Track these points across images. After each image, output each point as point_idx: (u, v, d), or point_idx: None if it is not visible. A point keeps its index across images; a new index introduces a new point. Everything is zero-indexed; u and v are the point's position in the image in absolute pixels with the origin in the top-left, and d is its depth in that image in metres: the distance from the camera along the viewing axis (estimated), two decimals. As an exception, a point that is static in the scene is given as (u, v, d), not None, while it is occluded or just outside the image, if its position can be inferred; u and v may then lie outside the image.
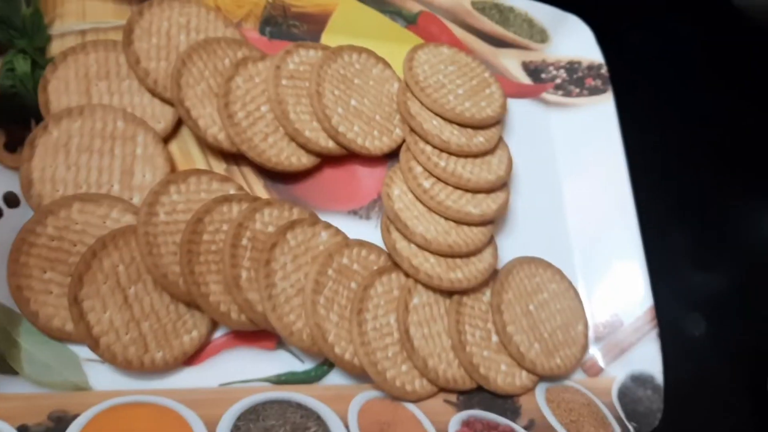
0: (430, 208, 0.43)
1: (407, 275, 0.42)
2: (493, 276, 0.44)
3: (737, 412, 0.50)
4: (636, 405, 0.44)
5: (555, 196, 0.52)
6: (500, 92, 0.49)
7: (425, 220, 0.43)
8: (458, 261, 0.43)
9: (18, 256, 0.36)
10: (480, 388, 0.42)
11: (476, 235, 0.44)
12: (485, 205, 0.45)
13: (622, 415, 0.44)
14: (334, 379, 0.41)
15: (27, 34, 0.42)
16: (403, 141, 0.46)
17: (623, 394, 0.45)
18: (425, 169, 0.44)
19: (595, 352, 0.47)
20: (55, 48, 0.43)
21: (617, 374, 0.46)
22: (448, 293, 0.43)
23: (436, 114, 0.46)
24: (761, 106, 0.64)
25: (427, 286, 0.42)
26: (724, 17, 0.66)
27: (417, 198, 0.44)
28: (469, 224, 0.44)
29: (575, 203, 0.51)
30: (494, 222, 0.45)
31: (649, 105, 0.60)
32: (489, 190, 0.45)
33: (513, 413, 0.42)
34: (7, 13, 0.41)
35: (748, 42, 0.65)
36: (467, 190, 0.45)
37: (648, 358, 0.46)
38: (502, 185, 0.47)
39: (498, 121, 0.48)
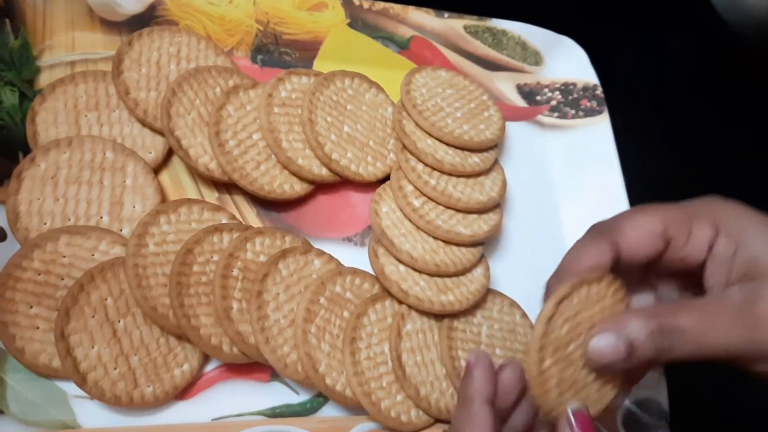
0: (418, 227, 0.43)
1: (400, 301, 0.41)
2: (484, 297, 0.44)
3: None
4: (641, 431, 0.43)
5: (552, 218, 0.51)
6: (499, 115, 0.49)
7: (412, 238, 0.42)
8: (449, 283, 0.42)
9: (3, 291, 0.35)
10: (480, 418, 0.41)
11: (465, 255, 0.43)
12: (476, 226, 0.44)
13: (628, 443, 0.43)
14: (331, 410, 0.40)
15: (15, 66, 0.42)
16: (397, 164, 0.46)
17: (628, 420, 0.44)
18: (415, 188, 0.44)
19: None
20: (44, 79, 0.42)
21: (622, 400, 0.45)
22: (442, 319, 0.42)
23: (435, 137, 0.45)
24: (755, 124, 0.63)
25: (419, 311, 0.41)
26: (717, 36, 0.66)
27: (406, 216, 0.43)
28: (458, 244, 0.43)
29: (573, 225, 0.51)
30: (486, 243, 0.45)
31: (645, 124, 0.59)
32: (479, 211, 0.45)
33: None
34: (-5, 45, 0.41)
35: (740, 60, 0.65)
36: (457, 210, 0.44)
37: (652, 384, 0.45)
38: (494, 206, 0.46)
39: (496, 144, 0.48)
